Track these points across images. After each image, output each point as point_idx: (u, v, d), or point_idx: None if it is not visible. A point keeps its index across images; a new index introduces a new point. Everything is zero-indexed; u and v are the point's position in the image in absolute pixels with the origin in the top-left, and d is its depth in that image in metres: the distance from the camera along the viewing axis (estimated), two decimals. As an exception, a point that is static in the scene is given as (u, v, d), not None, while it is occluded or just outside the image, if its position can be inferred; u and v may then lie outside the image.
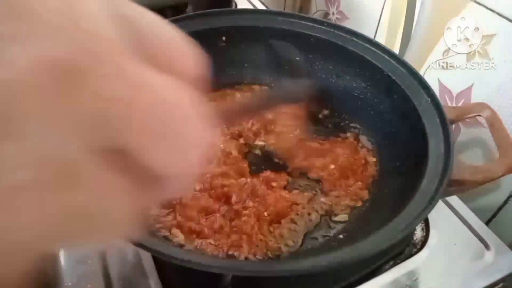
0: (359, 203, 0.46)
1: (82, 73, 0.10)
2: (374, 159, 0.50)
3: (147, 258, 0.42)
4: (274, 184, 0.46)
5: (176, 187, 0.13)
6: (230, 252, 0.39)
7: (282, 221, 0.43)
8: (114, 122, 0.10)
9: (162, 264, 0.41)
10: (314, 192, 0.46)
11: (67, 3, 0.10)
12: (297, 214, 0.44)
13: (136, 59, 0.11)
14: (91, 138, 0.10)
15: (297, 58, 0.36)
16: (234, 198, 0.43)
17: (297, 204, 0.45)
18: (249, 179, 0.45)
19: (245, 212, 0.42)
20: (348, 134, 0.52)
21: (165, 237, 0.40)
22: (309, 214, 0.44)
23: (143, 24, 0.13)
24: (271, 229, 0.42)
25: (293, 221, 0.43)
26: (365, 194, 0.46)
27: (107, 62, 0.10)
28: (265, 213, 0.43)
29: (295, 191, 0.46)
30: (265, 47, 0.55)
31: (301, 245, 0.42)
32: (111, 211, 0.11)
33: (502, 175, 0.40)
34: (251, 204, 0.43)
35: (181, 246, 0.39)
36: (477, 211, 0.49)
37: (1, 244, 0.10)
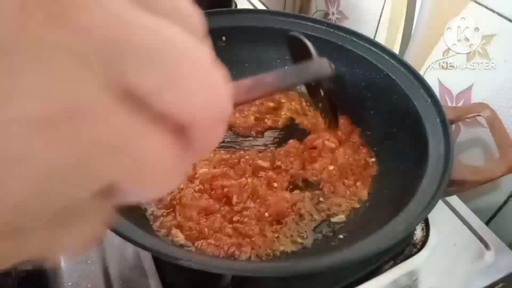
0: (359, 204, 0.46)
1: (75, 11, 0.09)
2: (374, 159, 0.50)
3: (147, 258, 0.42)
4: (275, 184, 0.46)
5: (207, 136, 0.12)
6: (230, 252, 0.39)
7: (283, 221, 0.43)
8: (116, 58, 0.10)
9: (162, 264, 0.41)
10: (314, 192, 0.46)
11: None
12: (298, 215, 0.44)
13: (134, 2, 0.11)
14: (98, 74, 0.10)
15: (309, 42, 0.36)
16: (234, 199, 0.43)
17: (297, 204, 0.44)
18: (249, 180, 0.45)
19: (245, 213, 0.42)
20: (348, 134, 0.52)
21: (165, 237, 0.40)
22: (311, 214, 0.44)
23: None
24: (272, 229, 0.42)
25: (294, 222, 0.43)
26: (365, 194, 0.46)
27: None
28: (266, 214, 0.43)
29: (296, 191, 0.46)
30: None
31: (302, 245, 0.42)
32: (146, 155, 0.11)
33: (502, 175, 0.40)
34: (252, 205, 0.43)
35: (181, 246, 0.39)
36: (477, 211, 0.49)
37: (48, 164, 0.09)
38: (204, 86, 0.12)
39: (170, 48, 0.11)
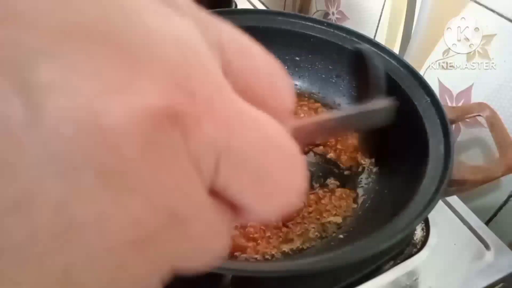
0: (359, 204, 0.46)
1: (189, 118, 0.09)
2: (374, 159, 0.50)
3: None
4: None
5: (259, 219, 0.12)
6: (234, 253, 0.39)
7: (289, 224, 0.43)
8: (215, 162, 0.10)
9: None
10: (314, 191, 0.46)
11: (176, 33, 0.09)
12: (302, 217, 0.44)
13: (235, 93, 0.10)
14: (202, 180, 0.10)
15: (379, 72, 0.32)
16: None
17: (303, 209, 0.44)
18: None
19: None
20: (348, 134, 0.52)
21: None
22: (317, 218, 0.44)
23: (240, 52, 0.11)
24: (280, 232, 0.42)
25: (299, 224, 0.43)
26: (364, 195, 0.46)
27: (213, 103, 0.09)
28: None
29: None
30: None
31: (303, 245, 0.42)
32: (211, 240, 0.11)
33: (502, 175, 0.40)
34: None
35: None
36: (477, 211, 0.49)
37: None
38: (287, 187, 0.11)
39: (267, 150, 0.11)
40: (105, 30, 0.08)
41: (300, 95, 0.57)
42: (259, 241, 0.41)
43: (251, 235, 0.41)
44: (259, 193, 0.11)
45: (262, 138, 0.10)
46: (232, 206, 0.11)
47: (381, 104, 0.24)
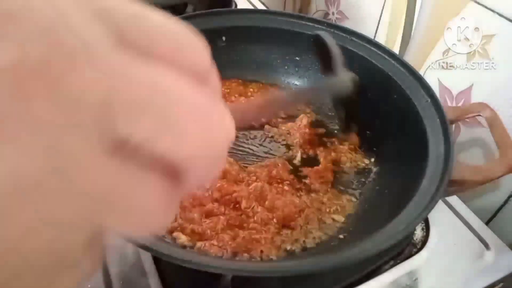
0: (359, 204, 0.46)
1: (66, 70, 0.10)
2: (374, 159, 0.50)
3: (147, 258, 0.42)
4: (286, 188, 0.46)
5: (200, 175, 0.13)
6: (234, 253, 0.39)
7: (291, 225, 0.43)
8: (107, 113, 0.10)
9: (162, 264, 0.41)
10: (315, 192, 0.46)
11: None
12: (304, 218, 0.44)
13: (126, 53, 0.11)
14: (88, 130, 0.10)
15: (336, 49, 0.35)
16: (244, 204, 0.43)
17: (305, 210, 0.44)
18: (259, 183, 0.45)
19: (252, 218, 0.42)
20: (348, 134, 0.52)
21: (167, 239, 0.40)
22: (318, 218, 0.44)
23: (127, 15, 0.12)
24: (281, 234, 0.42)
25: (299, 224, 0.43)
26: (364, 195, 0.46)
27: (93, 57, 0.10)
28: (274, 220, 0.43)
29: (303, 196, 0.46)
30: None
31: (303, 245, 0.42)
32: (137, 200, 0.11)
33: (502, 175, 0.40)
34: (259, 209, 0.43)
35: (183, 247, 0.39)
36: (477, 211, 0.49)
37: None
38: (199, 130, 0.12)
39: (162, 97, 0.11)
40: None
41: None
42: (260, 241, 0.41)
43: (253, 236, 0.41)
44: (167, 139, 0.11)
45: (155, 89, 0.11)
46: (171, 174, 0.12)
47: (339, 77, 0.28)
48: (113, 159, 0.11)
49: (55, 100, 0.10)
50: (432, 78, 0.56)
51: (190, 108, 0.12)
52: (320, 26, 0.54)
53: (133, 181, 0.11)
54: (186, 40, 0.13)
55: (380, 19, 0.64)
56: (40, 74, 0.10)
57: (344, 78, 0.28)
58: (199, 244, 0.39)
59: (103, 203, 0.11)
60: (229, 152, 0.47)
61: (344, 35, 0.53)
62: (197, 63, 0.13)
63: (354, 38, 0.53)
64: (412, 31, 0.59)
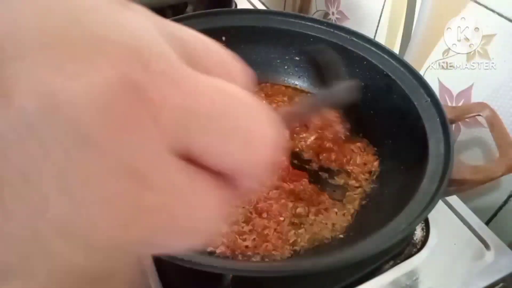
0: (359, 204, 0.46)
1: (146, 85, 0.10)
2: (374, 159, 0.50)
3: (147, 258, 0.42)
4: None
5: (251, 185, 0.13)
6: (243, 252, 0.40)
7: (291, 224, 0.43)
8: (182, 125, 0.11)
9: (162, 264, 0.41)
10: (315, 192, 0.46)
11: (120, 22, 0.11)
12: (302, 217, 0.44)
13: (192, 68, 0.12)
14: (161, 143, 0.10)
15: (337, 60, 0.36)
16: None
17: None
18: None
19: (264, 217, 0.42)
20: (348, 134, 0.52)
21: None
22: (318, 218, 0.44)
23: (192, 41, 0.13)
24: (280, 233, 0.42)
25: (299, 224, 0.43)
26: (364, 194, 0.46)
27: (169, 75, 0.11)
28: (281, 218, 0.43)
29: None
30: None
31: (304, 245, 0.42)
32: (193, 211, 0.11)
33: (502, 175, 0.40)
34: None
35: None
36: (477, 211, 0.49)
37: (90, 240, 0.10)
38: (263, 141, 0.12)
39: (234, 108, 0.12)
40: (63, 33, 0.10)
41: (300, 94, 0.57)
42: (261, 242, 0.41)
43: (254, 237, 0.41)
44: (233, 148, 0.11)
45: (222, 97, 0.11)
46: (223, 179, 0.12)
47: (343, 85, 0.29)
48: (181, 167, 0.11)
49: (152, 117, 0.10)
50: (432, 78, 0.56)
51: (254, 117, 0.12)
52: (320, 26, 0.54)
53: (191, 189, 0.11)
54: (234, 64, 0.14)
55: (380, 19, 0.64)
56: (137, 95, 0.10)
57: (349, 87, 0.29)
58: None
59: (160, 211, 0.11)
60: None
61: (344, 35, 0.53)
62: (243, 83, 0.14)
63: (354, 38, 0.53)
64: (412, 31, 0.59)
